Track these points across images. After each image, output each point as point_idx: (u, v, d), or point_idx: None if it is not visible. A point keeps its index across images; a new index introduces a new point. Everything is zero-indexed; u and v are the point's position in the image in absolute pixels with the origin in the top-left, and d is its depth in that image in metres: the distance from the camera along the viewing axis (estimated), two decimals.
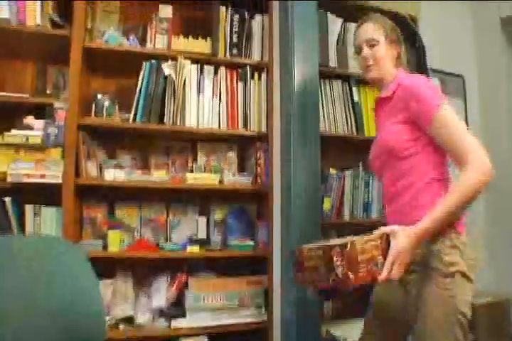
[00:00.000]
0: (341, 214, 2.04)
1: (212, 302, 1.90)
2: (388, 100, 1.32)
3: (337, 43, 2.12)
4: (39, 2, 1.74)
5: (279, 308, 1.90)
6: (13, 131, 1.71)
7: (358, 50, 1.40)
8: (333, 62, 2.09)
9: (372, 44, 1.35)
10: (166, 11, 1.92)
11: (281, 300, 1.88)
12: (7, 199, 1.75)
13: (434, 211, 1.10)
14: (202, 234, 2.03)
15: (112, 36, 1.82)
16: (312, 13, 1.89)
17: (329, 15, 2.11)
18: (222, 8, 2.03)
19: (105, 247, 1.83)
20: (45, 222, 1.79)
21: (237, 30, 2.04)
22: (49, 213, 1.80)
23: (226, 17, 2.03)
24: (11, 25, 1.71)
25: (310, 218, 1.79)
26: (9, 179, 1.70)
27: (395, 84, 1.30)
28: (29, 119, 1.73)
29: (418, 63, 2.25)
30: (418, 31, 2.21)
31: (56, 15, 1.76)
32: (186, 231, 2.06)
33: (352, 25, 2.11)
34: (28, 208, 1.79)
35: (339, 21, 2.14)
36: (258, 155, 2.03)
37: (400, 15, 2.08)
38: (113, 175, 1.83)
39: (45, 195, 1.77)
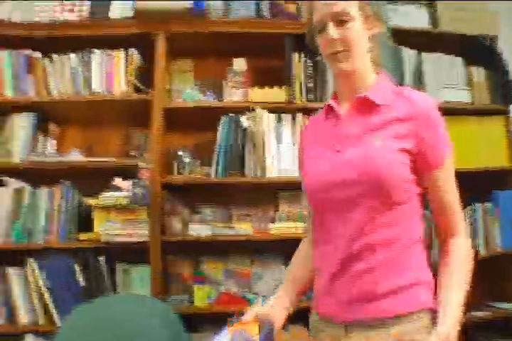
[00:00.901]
0: None
1: None
2: (378, 109, 0.94)
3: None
4: (123, 70, 1.85)
5: None
6: (105, 193, 1.79)
7: (320, 28, 0.95)
8: None
9: (341, 19, 0.93)
10: (240, 63, 1.95)
11: None
12: (101, 258, 1.83)
13: (453, 295, 0.85)
14: None
15: (189, 94, 1.88)
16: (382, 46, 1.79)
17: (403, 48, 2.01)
18: (295, 55, 2.01)
19: (191, 301, 1.82)
20: (134, 279, 1.84)
21: (311, 74, 2.00)
22: (137, 271, 1.86)
23: (299, 63, 2.01)
24: (101, 95, 1.84)
25: None
26: (102, 239, 1.79)
27: (393, 93, 0.96)
28: (118, 181, 1.80)
29: (502, 85, 2.04)
30: (500, 52, 2.01)
31: (138, 80, 1.86)
32: (271, 282, 1.99)
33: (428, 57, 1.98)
34: (119, 267, 1.85)
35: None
36: None
37: (480, 37, 1.90)
38: (197, 230, 1.85)
39: (134, 252, 1.82)
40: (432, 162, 0.90)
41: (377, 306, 0.87)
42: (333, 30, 0.92)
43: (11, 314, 1.82)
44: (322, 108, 1.06)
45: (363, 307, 0.88)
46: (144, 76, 1.87)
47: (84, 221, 1.87)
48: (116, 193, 1.78)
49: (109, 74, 1.86)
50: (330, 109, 1.01)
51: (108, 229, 1.79)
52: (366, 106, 0.95)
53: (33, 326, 1.81)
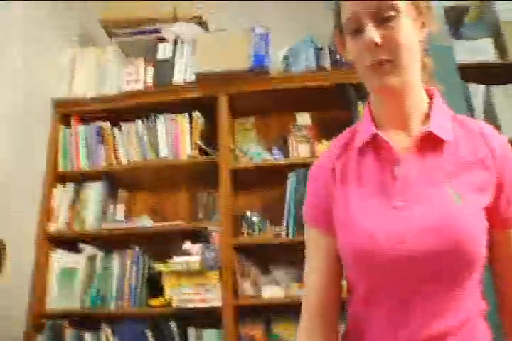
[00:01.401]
0: None
1: None
2: (442, 145, 0.70)
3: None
4: (188, 133, 1.87)
5: None
6: (175, 259, 1.76)
7: (353, 30, 0.70)
8: None
9: (385, 17, 0.67)
10: (304, 118, 1.91)
11: None
12: (172, 324, 1.78)
13: None
14: None
15: (255, 153, 1.85)
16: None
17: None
18: (360, 104, 1.94)
19: None
20: None
21: None
22: (210, 335, 1.78)
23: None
24: (168, 159, 1.87)
25: None
26: (174, 304, 1.74)
27: (454, 122, 0.74)
28: (187, 245, 1.77)
29: None
30: None
31: (203, 142, 1.87)
32: None
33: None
34: (191, 331, 1.80)
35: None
36: None
37: None
38: (270, 292, 1.76)
39: (206, 317, 1.76)
40: (508, 218, 0.70)
41: None
42: (374, 32, 0.66)
43: None
44: (348, 132, 0.80)
45: None
46: (209, 137, 1.88)
47: (154, 286, 1.83)
48: (187, 258, 1.74)
49: (175, 138, 1.89)
50: (372, 140, 0.73)
51: (179, 294, 1.74)
52: (429, 142, 0.70)
53: None
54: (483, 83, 1.93)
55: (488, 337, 0.72)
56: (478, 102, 1.91)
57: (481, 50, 1.98)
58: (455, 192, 0.66)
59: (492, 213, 0.68)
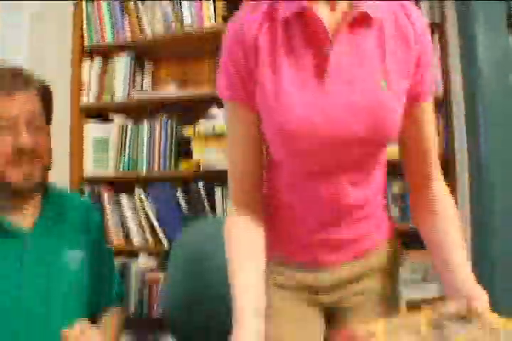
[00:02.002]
0: None
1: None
2: (371, 23, 0.68)
3: None
4: (212, 3, 1.91)
5: None
6: (202, 122, 1.91)
7: None
8: None
9: None
10: None
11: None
12: (200, 184, 1.97)
13: (463, 256, 0.72)
14: None
15: None
16: None
17: None
18: None
19: None
20: None
21: None
22: None
23: None
24: (193, 29, 1.93)
25: None
26: (202, 167, 1.91)
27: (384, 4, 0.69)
28: (213, 109, 1.90)
29: None
30: None
31: (227, 13, 1.92)
32: None
33: None
34: (217, 190, 1.97)
35: None
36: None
37: None
38: None
39: None
40: (422, 93, 0.74)
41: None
42: None
43: (126, 235, 2.04)
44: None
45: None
46: (232, 8, 1.92)
47: (183, 150, 2.00)
48: (213, 121, 1.88)
49: (198, 7, 1.92)
50: (300, 14, 0.67)
51: (207, 157, 1.91)
52: (360, 21, 0.67)
53: (144, 246, 2.02)
54: None
55: (390, 225, 0.86)
56: None
57: None
58: (383, 79, 0.68)
59: (410, 90, 0.72)
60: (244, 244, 0.75)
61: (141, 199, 2.04)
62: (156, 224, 2.00)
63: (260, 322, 0.69)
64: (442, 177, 0.81)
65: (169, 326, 1.40)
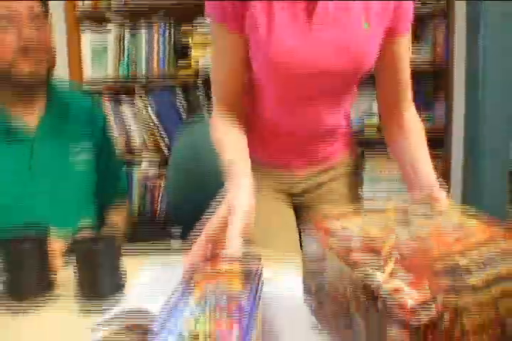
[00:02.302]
0: None
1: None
2: None
3: None
4: None
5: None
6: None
7: None
8: None
9: None
10: None
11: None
12: (199, 89, 1.97)
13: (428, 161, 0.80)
14: None
15: None
16: None
17: None
18: None
19: None
20: None
21: None
22: None
23: None
24: None
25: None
26: (200, 72, 1.91)
27: None
28: None
29: None
30: None
31: None
32: None
33: None
34: None
35: None
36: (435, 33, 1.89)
37: None
38: None
39: None
40: (401, 26, 0.78)
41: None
42: None
43: (127, 144, 2.08)
44: None
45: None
46: None
47: (181, 53, 1.99)
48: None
49: None
50: None
51: (205, 64, 1.89)
52: None
53: (145, 153, 2.07)
54: None
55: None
56: None
57: None
58: (365, 21, 0.74)
59: (390, 23, 0.77)
60: (229, 138, 0.81)
61: (141, 107, 2.05)
62: (156, 131, 2.03)
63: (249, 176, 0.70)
64: (413, 104, 0.88)
65: (174, 219, 1.50)
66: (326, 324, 0.54)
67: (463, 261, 0.43)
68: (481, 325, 0.41)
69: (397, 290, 0.39)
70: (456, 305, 0.39)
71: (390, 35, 0.78)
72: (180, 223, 1.49)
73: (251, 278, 0.51)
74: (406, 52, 0.82)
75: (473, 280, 0.40)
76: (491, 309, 0.41)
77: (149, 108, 2.04)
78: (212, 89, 0.84)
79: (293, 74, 0.76)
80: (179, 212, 1.46)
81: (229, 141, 0.79)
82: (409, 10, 0.78)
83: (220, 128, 0.82)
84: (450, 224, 0.52)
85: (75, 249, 0.68)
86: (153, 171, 2.07)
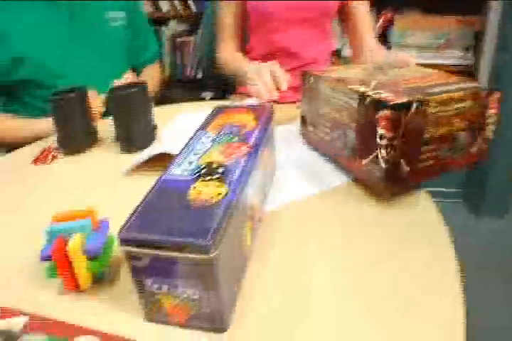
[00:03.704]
0: None
1: (418, 41, 1.85)
2: None
3: None
4: None
5: (491, 53, 1.70)
6: None
7: None
8: None
9: None
10: None
11: (496, 45, 1.67)
12: None
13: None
14: None
15: None
16: None
17: None
18: None
19: None
20: None
21: None
22: None
23: None
24: None
25: None
26: None
27: None
28: None
29: None
30: None
31: None
32: None
33: None
34: None
35: None
36: None
37: None
38: None
39: None
40: None
41: None
42: None
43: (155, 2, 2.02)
44: None
45: None
46: None
47: None
48: None
49: None
50: None
51: None
52: None
53: (173, 11, 2.02)
54: None
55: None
56: None
57: None
58: None
59: None
60: (235, 56, 1.23)
61: None
62: None
63: None
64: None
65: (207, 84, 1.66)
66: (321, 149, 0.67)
67: (425, 87, 0.59)
68: (440, 137, 0.51)
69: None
70: (425, 113, 0.53)
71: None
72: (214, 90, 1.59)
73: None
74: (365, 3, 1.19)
75: (433, 97, 0.55)
76: (447, 124, 0.50)
77: None
78: (219, 31, 1.25)
79: (276, 12, 1.16)
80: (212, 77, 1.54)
81: (236, 57, 1.20)
82: None
83: (227, 55, 1.23)
84: (413, 71, 0.73)
85: (111, 96, 0.79)
86: (181, 29, 2.04)
